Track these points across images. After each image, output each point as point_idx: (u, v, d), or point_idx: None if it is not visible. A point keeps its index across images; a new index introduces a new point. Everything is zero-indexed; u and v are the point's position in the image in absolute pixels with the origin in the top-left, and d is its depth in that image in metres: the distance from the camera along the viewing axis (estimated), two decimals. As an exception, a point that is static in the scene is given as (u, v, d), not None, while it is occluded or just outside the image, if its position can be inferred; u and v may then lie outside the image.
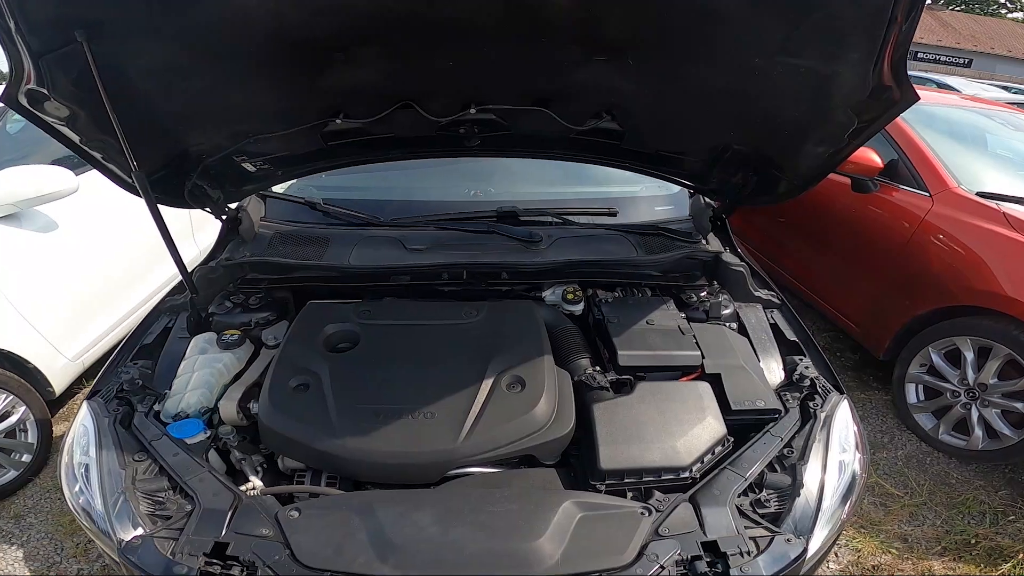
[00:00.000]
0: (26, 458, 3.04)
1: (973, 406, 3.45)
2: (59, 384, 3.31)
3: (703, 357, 2.06)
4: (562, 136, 2.37)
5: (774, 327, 2.37)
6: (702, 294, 2.56)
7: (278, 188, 3.12)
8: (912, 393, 3.80)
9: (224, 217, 2.74)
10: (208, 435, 1.75)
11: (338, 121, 2.16)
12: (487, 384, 1.79)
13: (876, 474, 3.34)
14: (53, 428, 3.24)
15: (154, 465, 1.62)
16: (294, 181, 3.20)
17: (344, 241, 2.66)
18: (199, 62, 1.77)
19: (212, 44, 1.70)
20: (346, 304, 2.26)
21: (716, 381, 1.96)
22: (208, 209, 2.62)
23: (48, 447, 3.14)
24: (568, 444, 1.76)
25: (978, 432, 3.44)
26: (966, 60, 32.22)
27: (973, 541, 2.94)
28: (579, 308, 2.45)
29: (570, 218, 2.78)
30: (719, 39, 1.66)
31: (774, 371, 2.16)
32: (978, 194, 3.70)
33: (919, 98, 1.68)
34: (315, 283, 2.54)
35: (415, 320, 2.16)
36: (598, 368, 2.07)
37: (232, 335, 2.11)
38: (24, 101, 1.61)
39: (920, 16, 1.41)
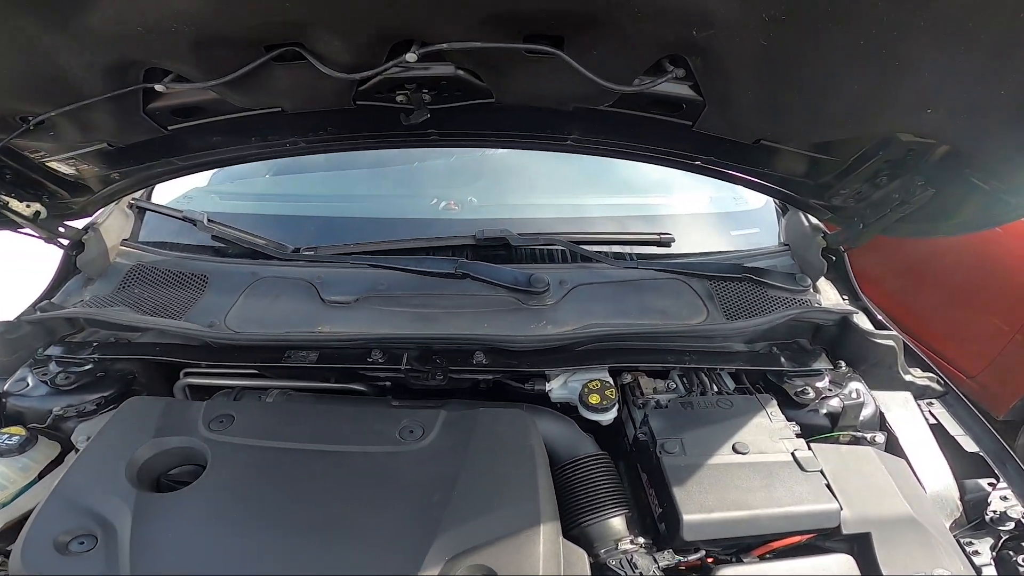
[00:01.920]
0: None
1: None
2: None
3: (840, 508, 1.21)
4: (586, 110, 1.33)
5: (937, 430, 1.53)
6: (820, 384, 1.49)
7: (164, 193, 2.14)
8: (1042, 461, 2.89)
9: (67, 241, 1.84)
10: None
11: (160, 88, 1.18)
12: None
13: None
14: None
15: None
16: (202, 184, 2.22)
17: (228, 284, 1.69)
18: None
19: None
20: (192, 404, 1.36)
21: (862, 543, 1.21)
22: (28, 231, 1.71)
23: None
24: None
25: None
26: None
27: None
28: (610, 416, 1.40)
29: (596, 249, 1.72)
30: None
31: (945, 504, 1.39)
32: None
33: None
34: (166, 356, 1.54)
35: (311, 441, 1.27)
36: (641, 539, 1.24)
37: (11, 436, 1.43)
38: None
39: None
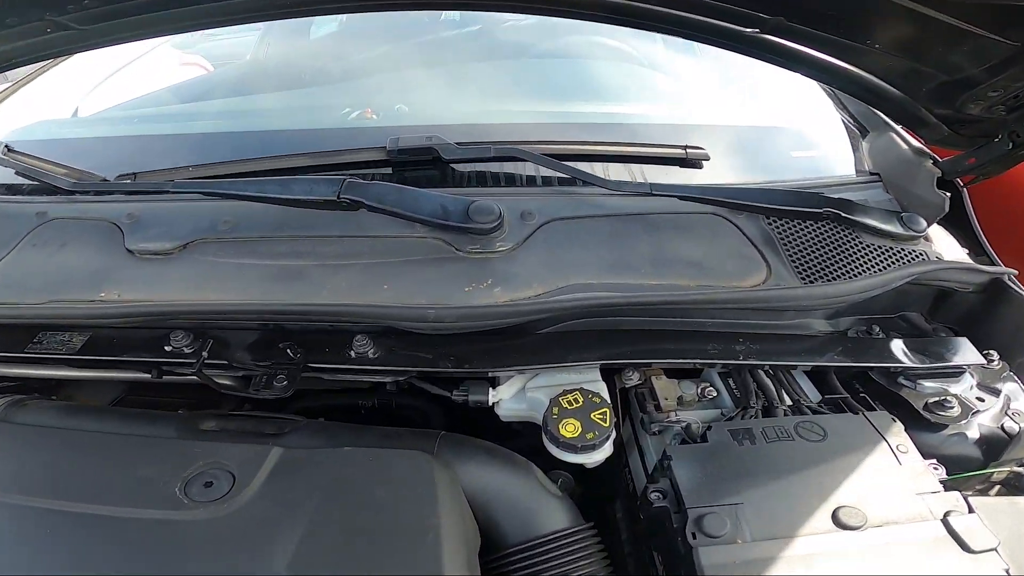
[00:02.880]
0: None
1: None
2: None
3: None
4: None
5: None
6: (961, 388, 0.86)
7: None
8: None
9: None
10: None
11: None
12: None
13: None
14: None
15: None
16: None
17: (7, 231, 1.06)
18: None
19: None
20: None
21: None
22: None
23: None
24: None
25: None
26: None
27: None
28: (598, 456, 0.75)
29: (578, 165, 1.06)
30: None
31: None
32: None
33: None
34: None
35: (20, 491, 0.69)
36: None
37: None
38: None
39: None
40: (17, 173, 1.17)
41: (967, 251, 1.19)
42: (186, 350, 0.80)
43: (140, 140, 1.29)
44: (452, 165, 1.04)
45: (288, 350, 0.79)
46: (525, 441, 0.83)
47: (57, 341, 0.84)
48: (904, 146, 1.23)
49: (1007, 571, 0.64)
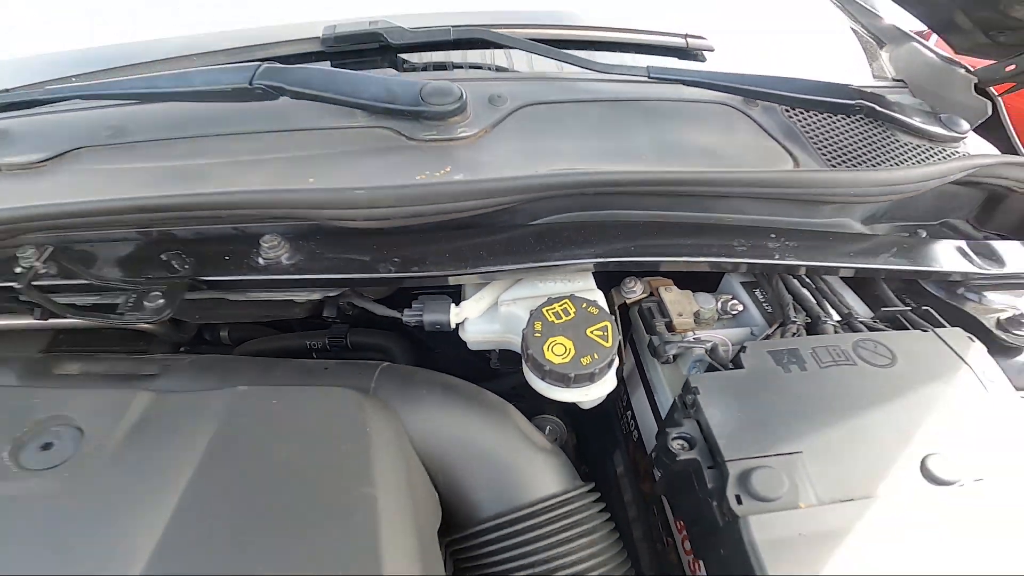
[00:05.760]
0: None
1: None
2: None
3: None
4: None
5: None
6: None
7: None
8: None
9: None
10: None
11: None
12: None
13: None
14: None
15: None
16: None
17: None
18: None
19: None
20: None
21: None
22: None
23: None
24: None
25: None
26: None
27: None
28: (602, 389, 0.52)
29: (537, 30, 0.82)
30: None
31: None
32: None
33: None
34: None
35: None
36: None
37: None
38: None
39: None
40: None
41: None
42: (41, 270, 0.56)
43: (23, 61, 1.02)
44: (403, 55, 0.80)
45: (173, 261, 0.56)
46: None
47: None
48: (930, 54, 1.04)
49: None
